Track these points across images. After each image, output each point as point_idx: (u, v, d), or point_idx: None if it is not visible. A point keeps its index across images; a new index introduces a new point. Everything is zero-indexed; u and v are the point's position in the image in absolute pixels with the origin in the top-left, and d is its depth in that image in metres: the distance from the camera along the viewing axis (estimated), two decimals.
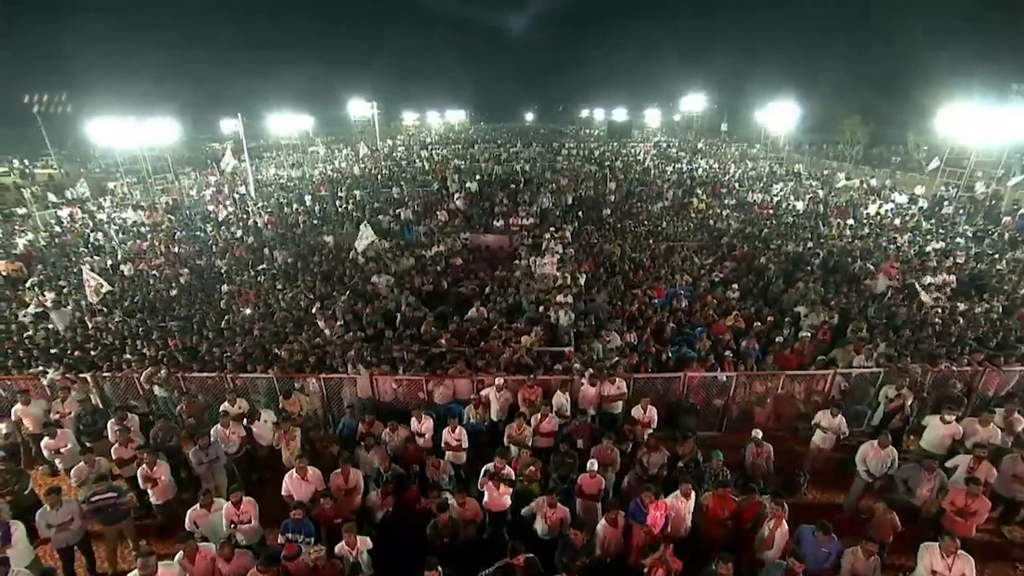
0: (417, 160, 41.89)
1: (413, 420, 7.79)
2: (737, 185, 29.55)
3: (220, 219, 21.48)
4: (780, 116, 35.58)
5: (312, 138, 58.05)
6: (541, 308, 11.45)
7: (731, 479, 6.74)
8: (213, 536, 6.08)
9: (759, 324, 11.20)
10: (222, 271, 14.99)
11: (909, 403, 8.01)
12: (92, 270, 13.15)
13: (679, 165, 38.36)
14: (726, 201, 25.87)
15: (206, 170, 37.41)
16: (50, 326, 11.48)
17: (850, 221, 19.60)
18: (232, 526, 6.02)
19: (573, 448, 7.39)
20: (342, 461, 6.60)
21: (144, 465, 6.72)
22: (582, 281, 13.62)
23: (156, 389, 9.03)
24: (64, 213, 24.79)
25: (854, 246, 16.03)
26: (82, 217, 24.00)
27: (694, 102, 55.96)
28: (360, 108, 56.33)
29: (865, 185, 27.56)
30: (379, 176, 32.73)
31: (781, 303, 12.75)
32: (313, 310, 11.42)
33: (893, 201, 23.16)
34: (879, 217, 20.35)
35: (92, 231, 20.07)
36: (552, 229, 17.29)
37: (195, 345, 10.00)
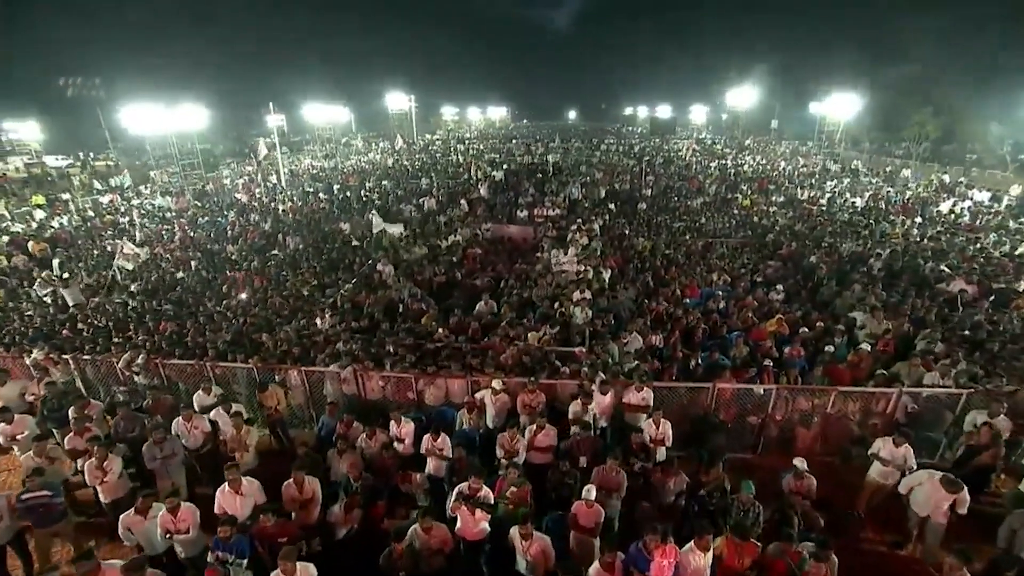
0: (452, 153, 41.33)
1: (392, 424, 6.86)
2: (787, 182, 27.34)
3: (243, 206, 21.36)
4: (839, 108, 32.77)
5: (353, 134, 58.71)
6: (556, 304, 10.32)
7: (761, 517, 5.47)
8: (149, 546, 5.34)
9: (806, 330, 9.71)
10: (232, 256, 14.59)
11: (1004, 435, 6.42)
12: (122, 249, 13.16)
13: (724, 161, 36.17)
14: (774, 198, 23.87)
15: (243, 161, 38.02)
16: (50, 309, 11.24)
17: (917, 219, 17.43)
18: (168, 536, 5.24)
19: (575, 466, 6.28)
20: (295, 468, 5.71)
21: (93, 458, 6.07)
22: (606, 277, 12.40)
23: (138, 376, 8.50)
24: (105, 200, 25.51)
25: (924, 246, 14.05)
26: (122, 203, 24.58)
27: (742, 96, 52.88)
28: (398, 101, 56.32)
29: (936, 181, 24.84)
30: (410, 167, 32.27)
31: (833, 307, 11.14)
32: (312, 297, 10.71)
33: (970, 198, 20.61)
34: (953, 216, 18.02)
35: (121, 215, 20.31)
36: (579, 221, 16.08)
37: (183, 330, 9.43)
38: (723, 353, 9.07)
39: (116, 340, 9.19)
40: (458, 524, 5.25)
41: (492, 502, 5.18)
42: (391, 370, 7.82)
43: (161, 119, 25.26)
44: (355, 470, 6.16)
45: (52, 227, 18.85)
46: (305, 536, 5.38)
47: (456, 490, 5.30)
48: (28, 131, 43.02)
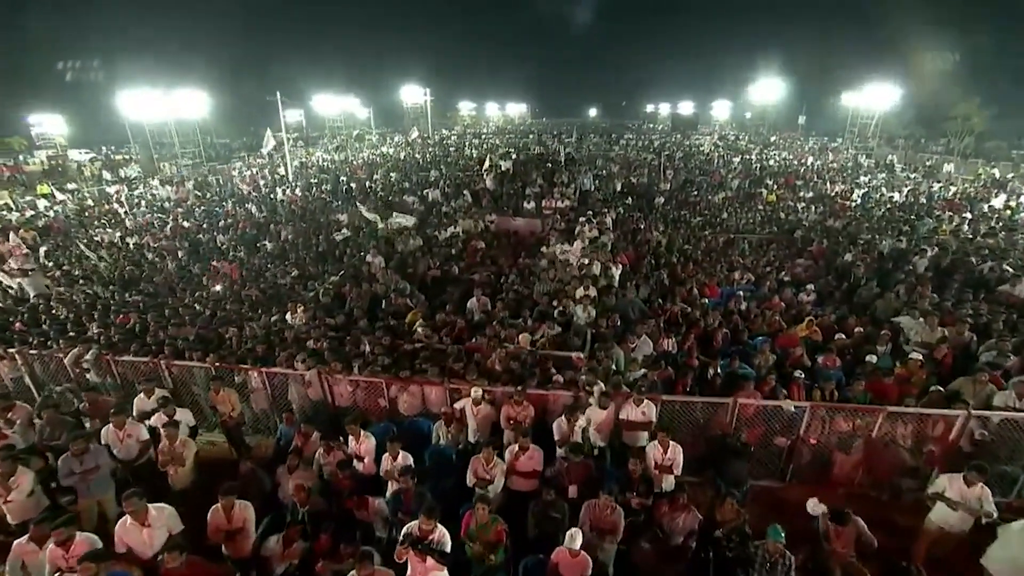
0: (467, 148, 40.40)
1: (351, 438, 5.87)
2: (815, 177, 25.69)
3: (242, 195, 20.72)
4: (875, 99, 30.76)
5: (369, 128, 58.21)
6: (556, 302, 9.22)
7: (793, 572, 4.33)
8: None
9: (843, 336, 8.45)
10: (222, 246, 13.83)
11: None
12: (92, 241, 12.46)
13: (748, 156, 34.48)
14: (801, 194, 22.34)
15: (257, 154, 37.69)
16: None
17: (966, 215, 15.81)
18: (58, 574, 4.32)
19: (563, 497, 5.20)
20: (222, 492, 4.75)
21: None
22: (616, 273, 11.26)
23: (88, 373, 7.68)
24: (112, 189, 25.21)
25: (978, 244, 12.53)
26: (127, 194, 24.24)
27: (768, 90, 50.78)
28: (414, 94, 55.59)
29: (985, 176, 22.94)
30: (421, 160, 31.42)
31: (873, 311, 9.80)
32: (292, 290, 9.82)
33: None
34: (1009, 212, 16.32)
35: (120, 205, 19.84)
36: (589, 213, 14.91)
37: (144, 323, 8.59)
38: (746, 361, 7.89)
39: (71, 334, 8.38)
40: (408, 573, 4.22)
41: (447, 549, 4.12)
42: (359, 373, 6.83)
43: (171, 109, 24.96)
44: (301, 493, 5.18)
45: (47, 216, 18.41)
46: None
47: (404, 529, 4.27)
48: (54, 125, 43.56)
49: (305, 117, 54.60)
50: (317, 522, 5.08)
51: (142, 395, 6.64)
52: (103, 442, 5.84)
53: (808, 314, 9.54)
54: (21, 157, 39.69)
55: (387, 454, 5.47)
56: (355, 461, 5.80)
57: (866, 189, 20.87)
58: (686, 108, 78.09)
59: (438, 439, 6.47)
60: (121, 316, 8.85)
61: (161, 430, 5.85)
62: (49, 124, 42.78)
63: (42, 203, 21.81)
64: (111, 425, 5.92)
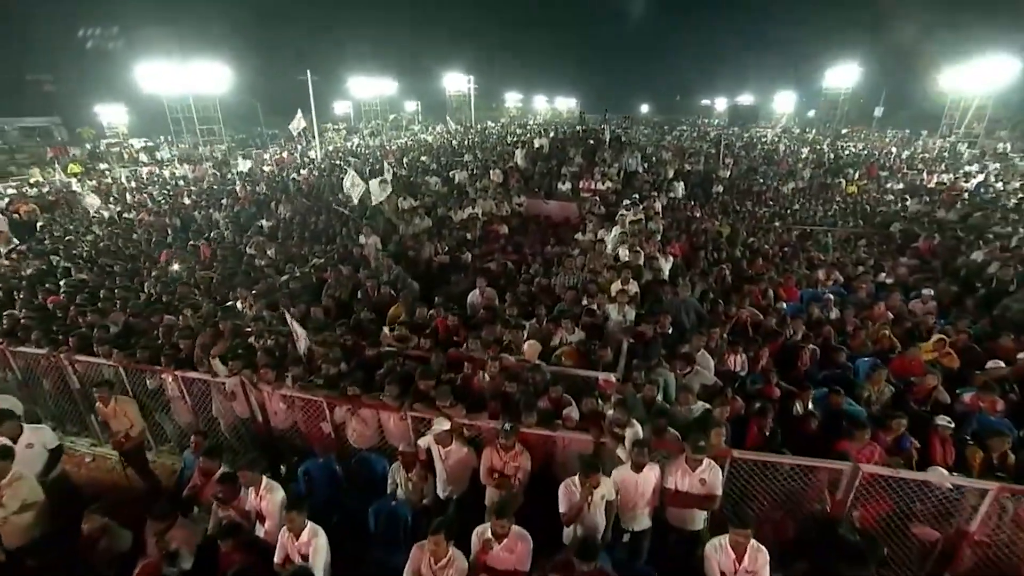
0: (509, 136, 38.43)
1: (251, 491, 3.94)
2: (905, 167, 22.11)
3: (255, 175, 19.53)
4: (980, 79, 26.26)
5: (416, 119, 57.27)
6: (583, 298, 7.03)
7: None
8: None
9: (998, 363, 5.85)
10: (218, 224, 12.39)
11: None
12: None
13: (819, 147, 30.74)
14: (889, 185, 19.02)
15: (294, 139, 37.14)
16: None
17: None
18: None
19: None
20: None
21: None
22: (666, 266, 8.93)
23: None
24: (144, 171, 24.81)
25: None
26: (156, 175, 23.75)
27: (842, 76, 45.83)
28: (457, 82, 54.03)
29: None
30: (457, 145, 29.70)
31: None
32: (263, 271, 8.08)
33: None
34: None
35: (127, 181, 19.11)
36: (636, 196, 12.54)
37: (67, 305, 7.00)
38: (848, 392, 5.52)
39: None
40: None
41: None
42: (293, 386, 4.90)
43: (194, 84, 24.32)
44: (151, 569, 3.31)
45: (61, 192, 17.76)
46: None
47: None
48: (115, 115, 44.93)
49: (353, 110, 54.25)
50: None
51: None
52: None
53: (931, 329, 6.99)
54: (89, 146, 41.00)
55: (285, 528, 3.49)
56: (258, 521, 3.89)
57: (979, 178, 17.33)
58: (745, 101, 73.02)
59: (395, 487, 4.48)
60: (52, 296, 7.31)
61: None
62: (113, 114, 44.16)
63: (57, 179, 21.34)
64: None
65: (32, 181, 21.33)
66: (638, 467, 3.80)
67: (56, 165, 24.63)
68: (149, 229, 11.81)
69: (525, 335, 5.84)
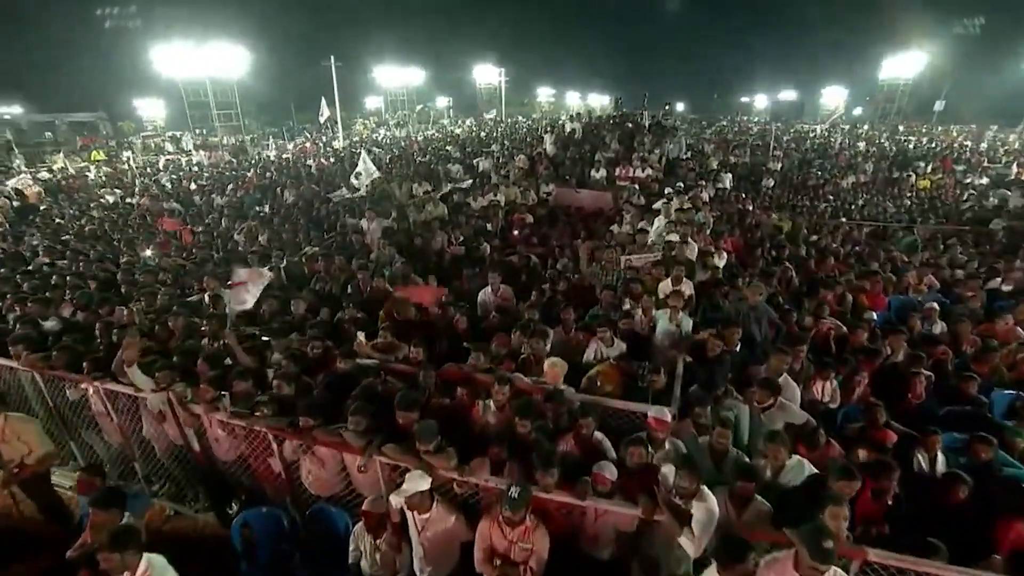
0: (541, 131, 37.12)
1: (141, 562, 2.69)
2: (985, 160, 19.71)
3: (267, 161, 18.74)
4: None
5: (446, 113, 56.49)
6: (622, 301, 5.59)
7: None
8: None
9: None
10: (222, 208, 11.45)
11: None
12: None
13: (878, 141, 28.21)
14: (967, 180, 16.79)
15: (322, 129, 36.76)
16: None
17: None
18: None
19: None
20: None
21: None
22: (720, 263, 7.38)
23: None
24: (163, 159, 24.50)
25: None
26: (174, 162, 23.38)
27: (900, 67, 42.45)
28: (488, 74, 52.87)
29: None
30: (485, 136, 28.53)
31: None
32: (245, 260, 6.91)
33: None
34: None
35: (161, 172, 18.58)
36: (680, 185, 10.96)
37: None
38: (997, 436, 3.96)
39: None
40: None
41: None
42: (229, 407, 3.63)
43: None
44: None
45: (72, 176, 17.34)
46: None
47: None
48: (153, 109, 45.74)
49: (384, 104, 53.92)
50: None
51: None
52: None
53: None
54: (131, 138, 41.91)
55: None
56: None
57: None
58: (787, 98, 69.52)
59: (357, 556, 3.18)
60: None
61: None
62: (151, 108, 44.96)
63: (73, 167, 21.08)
64: None
65: (56, 167, 21.16)
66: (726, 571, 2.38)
67: (82, 154, 24.65)
68: (145, 213, 10.92)
69: (547, 346, 4.46)
